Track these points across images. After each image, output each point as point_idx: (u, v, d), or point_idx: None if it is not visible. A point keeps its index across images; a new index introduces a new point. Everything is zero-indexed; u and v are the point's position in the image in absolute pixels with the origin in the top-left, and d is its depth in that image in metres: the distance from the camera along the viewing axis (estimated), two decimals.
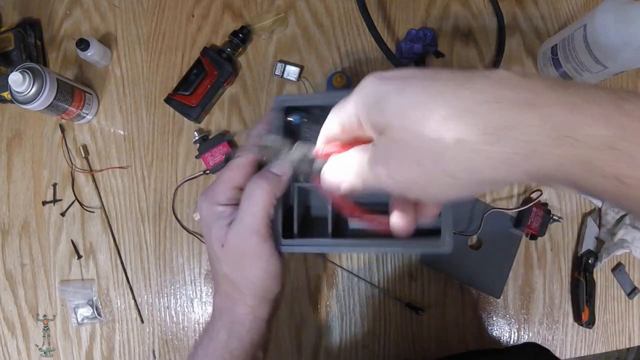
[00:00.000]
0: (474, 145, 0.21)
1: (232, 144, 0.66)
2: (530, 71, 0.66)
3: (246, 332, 0.37)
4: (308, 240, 0.37)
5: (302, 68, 0.67)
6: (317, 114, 0.40)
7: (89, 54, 0.65)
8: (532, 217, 0.61)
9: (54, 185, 0.69)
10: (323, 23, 0.68)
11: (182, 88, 0.65)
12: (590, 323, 0.62)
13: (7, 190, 0.70)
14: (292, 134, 0.41)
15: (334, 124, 0.28)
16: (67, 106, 0.63)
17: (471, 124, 0.21)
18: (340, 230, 0.38)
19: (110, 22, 0.71)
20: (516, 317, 0.63)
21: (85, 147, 0.68)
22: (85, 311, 0.66)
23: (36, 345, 0.67)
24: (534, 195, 0.62)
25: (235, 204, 0.36)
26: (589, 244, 0.63)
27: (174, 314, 0.66)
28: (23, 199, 0.69)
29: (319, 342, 0.63)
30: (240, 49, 0.66)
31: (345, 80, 0.61)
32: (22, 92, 0.58)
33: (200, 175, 0.66)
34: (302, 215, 0.40)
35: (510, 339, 0.63)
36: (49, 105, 0.60)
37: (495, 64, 0.65)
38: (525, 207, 0.61)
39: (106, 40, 0.70)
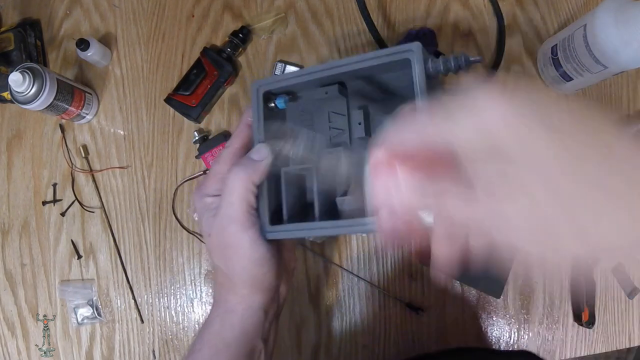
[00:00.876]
0: (609, 196, 0.19)
1: None
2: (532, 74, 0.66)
3: (238, 321, 0.37)
4: (295, 225, 0.36)
5: (302, 68, 0.67)
6: (306, 94, 0.38)
7: (89, 54, 0.65)
8: None
9: (54, 185, 0.69)
10: (323, 23, 0.68)
11: (182, 88, 0.65)
12: (590, 323, 0.62)
13: (7, 190, 0.70)
14: (278, 120, 0.40)
15: (413, 135, 0.22)
16: (67, 106, 0.63)
17: (601, 172, 0.19)
18: (331, 209, 0.37)
19: (110, 22, 0.71)
20: (516, 317, 0.63)
21: (85, 147, 0.68)
22: (85, 311, 0.66)
23: (36, 345, 0.67)
24: None
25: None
26: None
27: (174, 314, 0.66)
28: (23, 199, 0.69)
29: (319, 342, 0.63)
30: (240, 49, 0.66)
31: None
32: (22, 92, 0.58)
33: (200, 175, 0.66)
34: (299, 201, 0.39)
35: (510, 339, 0.63)
36: (49, 105, 0.60)
37: (495, 64, 0.65)
38: None
39: (106, 40, 0.70)
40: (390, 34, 0.68)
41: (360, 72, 0.36)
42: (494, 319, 0.63)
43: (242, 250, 0.35)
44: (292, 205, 0.38)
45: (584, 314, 0.61)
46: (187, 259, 0.66)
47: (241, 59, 0.68)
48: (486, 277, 0.62)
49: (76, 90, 0.64)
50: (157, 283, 0.66)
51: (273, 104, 0.38)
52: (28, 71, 0.58)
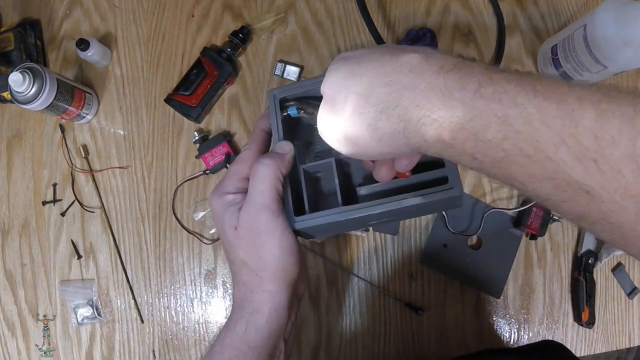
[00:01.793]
0: (370, 120, 0.27)
1: (232, 144, 0.66)
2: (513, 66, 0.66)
3: (264, 322, 0.36)
4: (320, 213, 0.36)
5: (302, 68, 0.67)
6: (313, 103, 0.40)
7: (89, 54, 0.65)
8: (532, 217, 0.61)
9: (54, 185, 0.69)
10: (323, 23, 0.68)
11: (182, 88, 0.65)
12: (590, 323, 0.62)
13: (7, 190, 0.70)
14: (292, 127, 0.42)
15: None
16: (67, 106, 0.63)
17: (370, 103, 0.27)
18: (351, 201, 0.38)
19: (110, 22, 0.71)
20: (516, 317, 0.63)
21: (85, 147, 0.68)
22: (85, 311, 0.66)
23: (36, 345, 0.67)
24: None
25: (244, 192, 0.37)
26: (589, 243, 0.63)
27: (174, 314, 0.66)
28: (23, 199, 0.69)
29: (319, 342, 0.63)
30: (240, 49, 0.66)
31: None
32: (22, 92, 0.58)
33: (200, 175, 0.66)
34: (313, 198, 0.40)
35: (510, 339, 0.63)
36: (49, 105, 0.60)
37: (495, 64, 0.65)
38: (525, 207, 0.61)
39: (106, 40, 0.70)
40: (390, 34, 0.68)
41: None
42: (494, 318, 0.63)
43: (274, 237, 0.35)
44: (310, 200, 0.39)
45: (584, 314, 0.61)
46: (187, 259, 0.66)
47: (241, 59, 0.68)
48: (486, 277, 0.62)
49: (76, 90, 0.64)
50: (157, 283, 0.66)
51: (286, 113, 0.41)
52: (28, 71, 0.58)
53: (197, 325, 0.66)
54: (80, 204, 0.67)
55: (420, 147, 0.26)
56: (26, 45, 0.69)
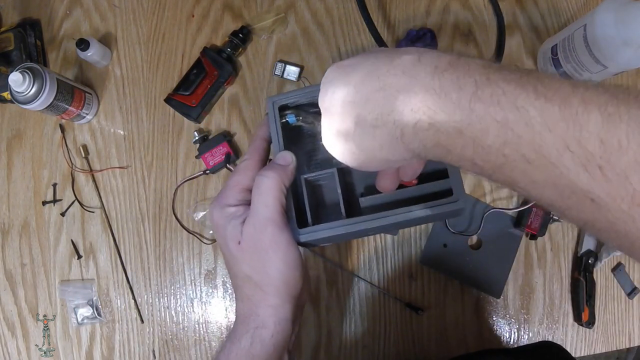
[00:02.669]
0: (369, 128, 0.26)
1: (232, 144, 0.66)
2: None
3: (270, 337, 0.36)
4: (324, 225, 0.36)
5: (302, 68, 0.67)
6: (313, 111, 0.40)
7: (89, 54, 0.65)
8: (532, 217, 0.61)
9: (54, 185, 0.69)
10: (323, 23, 0.68)
11: (182, 88, 0.65)
12: (590, 323, 0.62)
13: (7, 190, 0.70)
14: (291, 134, 0.41)
15: None
16: (67, 106, 0.63)
17: (367, 110, 0.26)
18: (353, 211, 0.38)
19: (110, 22, 0.71)
20: (516, 317, 0.63)
21: (85, 147, 0.68)
22: (85, 311, 0.66)
23: (36, 345, 0.67)
24: None
25: (246, 204, 0.36)
26: (589, 243, 0.63)
27: (174, 314, 0.66)
28: (23, 199, 0.69)
29: (319, 342, 0.63)
30: (240, 49, 0.66)
31: None
32: (22, 92, 0.58)
33: (200, 175, 0.66)
34: (314, 208, 0.40)
35: (510, 339, 0.63)
36: (49, 105, 0.60)
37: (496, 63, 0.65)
38: (525, 207, 0.61)
39: (106, 40, 0.70)
40: (390, 34, 0.68)
41: None
42: (494, 319, 0.63)
43: (280, 251, 0.34)
44: (312, 211, 0.38)
45: (584, 314, 0.61)
46: (187, 259, 0.66)
47: (241, 59, 0.68)
48: (486, 277, 0.62)
49: (76, 90, 0.64)
50: (157, 283, 0.66)
51: (285, 120, 0.40)
52: (28, 71, 0.58)
53: (197, 325, 0.66)
54: (80, 204, 0.67)
55: (419, 153, 0.25)
56: (26, 45, 0.69)
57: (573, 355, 0.63)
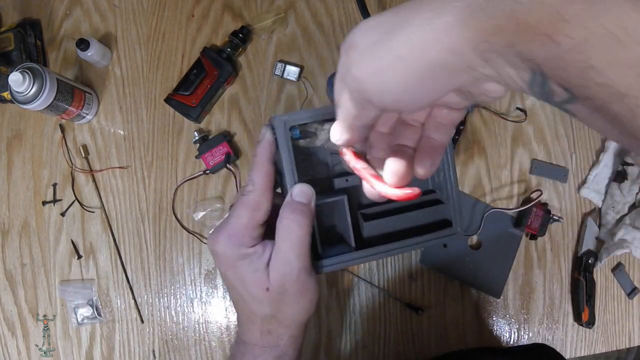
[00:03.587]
0: (419, 19, 0.21)
1: (232, 144, 0.66)
2: None
3: None
4: (337, 258, 0.36)
5: (302, 68, 0.67)
6: (315, 124, 0.37)
7: (89, 54, 0.65)
8: (532, 217, 0.61)
9: (54, 185, 0.69)
10: (323, 23, 0.68)
11: (182, 88, 0.65)
12: (590, 323, 0.62)
13: (7, 190, 0.70)
14: (298, 152, 0.39)
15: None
16: (67, 106, 0.63)
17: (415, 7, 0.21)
18: (357, 239, 0.38)
19: (110, 22, 0.71)
20: (516, 317, 0.63)
21: (85, 147, 0.68)
22: (85, 311, 0.66)
23: (36, 345, 0.67)
24: (534, 195, 0.62)
25: (261, 240, 0.34)
26: (589, 244, 0.63)
27: (174, 314, 0.66)
28: (23, 199, 0.69)
29: (319, 342, 0.63)
30: (240, 49, 0.66)
31: None
32: (22, 92, 0.58)
33: (200, 175, 0.66)
34: (326, 232, 0.39)
35: (510, 339, 0.63)
36: (49, 105, 0.60)
37: None
38: (525, 207, 0.61)
39: (106, 40, 0.70)
40: None
41: None
42: (494, 319, 0.63)
43: (310, 294, 0.35)
44: (323, 239, 0.37)
45: (584, 314, 0.61)
46: (187, 259, 0.66)
47: (241, 59, 0.68)
48: (486, 277, 0.62)
49: (76, 90, 0.64)
50: (157, 283, 0.66)
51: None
52: (28, 71, 0.58)
53: (197, 325, 0.66)
54: (80, 204, 0.67)
55: (486, 39, 0.19)
56: (26, 45, 0.69)
57: (573, 355, 0.64)
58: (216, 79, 0.65)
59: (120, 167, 0.68)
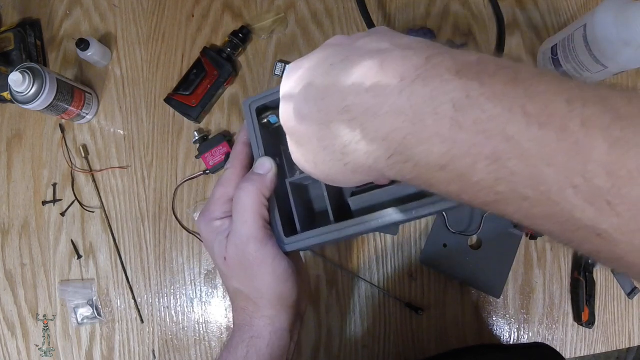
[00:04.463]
0: (337, 154, 0.23)
1: (232, 144, 0.66)
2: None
3: (265, 346, 0.35)
4: (311, 232, 0.35)
5: None
6: None
7: (89, 54, 0.65)
8: None
9: (54, 185, 0.69)
10: (323, 23, 0.68)
11: (182, 88, 0.65)
12: (590, 323, 0.62)
13: (7, 190, 0.70)
14: (275, 135, 0.39)
15: None
16: (67, 106, 0.63)
17: (332, 134, 0.23)
18: (346, 215, 0.36)
19: (110, 22, 0.71)
20: (516, 317, 0.63)
21: (85, 147, 0.68)
22: (85, 311, 0.66)
23: (36, 345, 0.67)
24: None
25: (231, 216, 0.35)
26: None
27: (174, 314, 0.66)
28: (23, 199, 0.69)
29: (319, 342, 0.63)
30: (240, 49, 0.66)
31: None
32: (22, 92, 0.58)
33: (200, 175, 0.66)
34: (307, 212, 0.38)
35: (511, 339, 0.63)
36: (49, 105, 0.60)
37: None
38: None
39: (106, 40, 0.70)
40: None
41: None
42: (494, 319, 0.63)
43: (265, 267, 0.34)
44: (301, 216, 0.37)
45: (584, 314, 0.61)
46: (187, 259, 0.66)
47: (241, 59, 0.68)
48: (486, 277, 0.62)
49: (76, 90, 0.64)
50: (157, 283, 0.66)
51: (266, 120, 0.38)
52: (28, 71, 0.58)
53: (197, 325, 0.66)
54: (80, 204, 0.67)
55: (398, 180, 0.22)
56: (26, 45, 0.69)
57: (573, 355, 0.63)
58: (216, 79, 0.65)
59: (120, 167, 0.68)
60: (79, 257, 0.67)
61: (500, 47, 0.66)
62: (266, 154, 0.36)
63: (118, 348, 0.66)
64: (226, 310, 0.66)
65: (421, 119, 0.19)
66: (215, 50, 0.66)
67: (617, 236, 0.16)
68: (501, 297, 0.62)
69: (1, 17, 0.74)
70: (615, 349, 0.64)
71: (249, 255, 0.33)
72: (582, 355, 0.63)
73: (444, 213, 0.62)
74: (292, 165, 0.39)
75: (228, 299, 0.65)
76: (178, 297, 0.66)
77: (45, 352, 0.67)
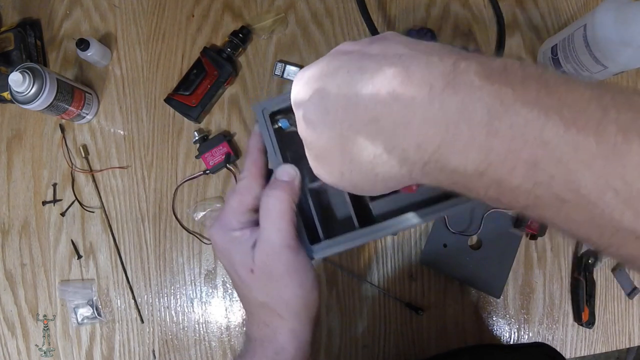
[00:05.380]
0: (366, 166, 0.23)
1: (232, 144, 0.66)
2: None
3: None
4: (338, 239, 0.34)
5: (302, 68, 0.67)
6: None
7: (89, 54, 0.65)
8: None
9: (54, 185, 0.69)
10: (323, 23, 0.68)
11: (182, 88, 0.65)
12: (590, 323, 0.62)
13: (7, 190, 0.70)
14: (286, 139, 0.38)
15: None
16: (67, 106, 0.63)
17: (359, 146, 0.22)
18: (367, 219, 0.36)
19: (110, 22, 0.71)
20: (516, 317, 0.63)
21: (85, 147, 0.68)
22: (85, 311, 0.66)
23: (36, 345, 0.67)
24: None
25: (251, 226, 0.34)
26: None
27: (174, 314, 0.66)
28: (23, 199, 0.69)
29: (319, 342, 0.63)
30: (240, 49, 0.66)
31: None
32: (22, 92, 0.58)
33: (200, 175, 0.66)
34: (323, 218, 0.38)
35: (511, 339, 0.63)
36: (49, 105, 0.60)
37: None
38: None
39: (106, 40, 0.70)
40: None
41: None
42: (494, 319, 0.63)
43: (297, 277, 0.32)
44: (321, 222, 0.36)
45: (584, 314, 0.61)
46: (187, 259, 0.66)
47: (241, 59, 0.68)
48: (486, 277, 0.62)
49: (76, 90, 0.64)
50: (157, 283, 0.66)
51: (277, 126, 0.37)
52: (28, 71, 0.58)
53: (197, 325, 0.65)
54: (80, 204, 0.67)
55: (435, 187, 0.22)
56: (26, 45, 0.69)
57: (573, 355, 0.64)
58: (216, 79, 0.65)
59: (120, 167, 0.68)
60: (79, 257, 0.67)
61: (500, 47, 0.66)
62: (284, 160, 0.35)
63: (118, 348, 0.66)
64: (226, 310, 0.66)
65: (455, 128, 0.19)
66: (215, 50, 0.66)
67: None
68: (501, 297, 0.62)
69: (1, 17, 0.74)
70: (615, 349, 0.64)
71: (282, 265, 0.32)
72: (582, 355, 0.63)
73: None
74: (305, 172, 0.38)
75: (228, 299, 0.65)
76: (178, 297, 0.66)
77: (45, 352, 0.67)
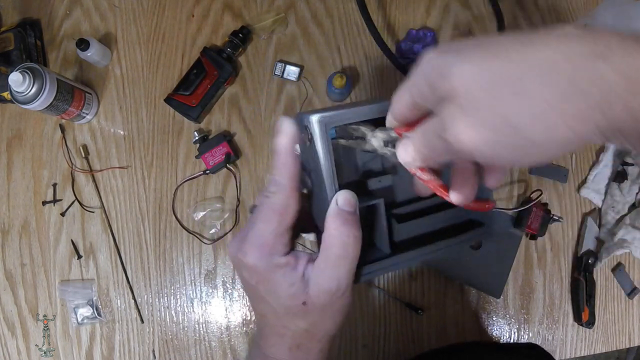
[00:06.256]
0: (546, 104, 0.20)
1: (232, 144, 0.66)
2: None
3: None
4: (374, 266, 0.33)
5: (302, 68, 0.67)
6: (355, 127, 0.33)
7: (89, 54, 0.65)
8: (532, 217, 0.61)
9: (54, 185, 0.69)
10: (323, 23, 0.68)
11: (182, 88, 0.65)
12: (590, 323, 0.62)
13: (7, 190, 0.70)
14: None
15: (402, 103, 0.27)
16: (67, 106, 0.63)
17: (542, 82, 0.20)
18: (390, 244, 0.36)
19: (110, 22, 0.71)
20: (516, 317, 0.63)
21: (85, 147, 0.68)
22: (85, 311, 0.66)
23: (36, 345, 0.67)
24: (533, 196, 0.62)
25: (292, 247, 0.32)
26: (589, 244, 0.63)
27: (174, 314, 0.66)
28: (23, 199, 0.69)
29: None
30: (240, 49, 0.66)
31: (345, 80, 0.61)
32: (22, 92, 0.58)
33: (200, 175, 0.66)
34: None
35: (510, 338, 0.63)
36: (49, 105, 0.60)
37: None
38: (525, 207, 0.61)
39: (106, 40, 0.70)
40: (390, 34, 0.68)
41: None
42: (494, 319, 0.63)
43: (348, 308, 0.33)
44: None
45: (584, 314, 0.61)
46: (187, 259, 0.66)
47: (241, 59, 0.68)
48: (486, 277, 0.62)
49: (76, 90, 0.64)
50: (157, 283, 0.66)
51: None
52: (28, 71, 0.58)
53: (197, 325, 0.66)
54: (80, 204, 0.67)
55: (619, 127, 0.21)
56: (26, 45, 0.69)
57: (573, 355, 0.64)
58: (216, 79, 0.65)
59: (120, 167, 0.68)
60: (79, 257, 0.67)
61: None
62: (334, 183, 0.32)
63: (118, 348, 0.66)
64: (226, 310, 0.66)
65: None
66: (215, 50, 0.66)
67: None
68: (501, 297, 0.62)
69: (1, 17, 0.74)
70: (615, 349, 0.64)
71: (343, 301, 0.32)
72: (582, 355, 0.63)
73: None
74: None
75: (228, 299, 0.65)
76: (178, 297, 0.66)
77: (45, 352, 0.67)
